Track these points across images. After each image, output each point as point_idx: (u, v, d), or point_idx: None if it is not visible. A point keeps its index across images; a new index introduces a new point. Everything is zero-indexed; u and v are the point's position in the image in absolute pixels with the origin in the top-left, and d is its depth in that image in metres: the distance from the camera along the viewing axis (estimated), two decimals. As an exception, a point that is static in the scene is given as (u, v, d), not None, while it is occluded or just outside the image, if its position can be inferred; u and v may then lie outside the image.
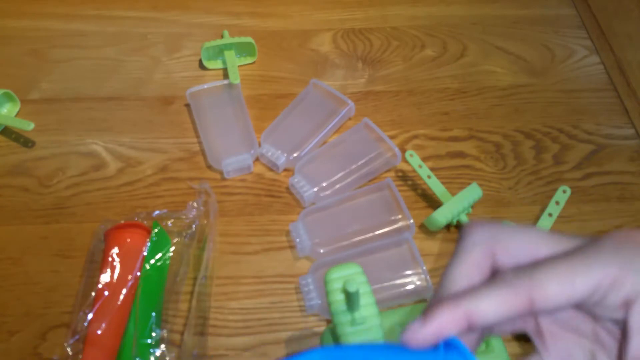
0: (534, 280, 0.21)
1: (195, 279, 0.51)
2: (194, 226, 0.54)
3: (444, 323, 0.21)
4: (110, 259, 0.50)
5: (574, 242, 0.23)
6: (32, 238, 0.55)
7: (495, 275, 0.23)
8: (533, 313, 0.21)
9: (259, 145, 0.60)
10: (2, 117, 0.61)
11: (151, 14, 0.75)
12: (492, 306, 0.21)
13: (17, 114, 0.64)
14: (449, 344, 0.22)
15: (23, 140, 0.62)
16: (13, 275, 0.52)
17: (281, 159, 0.59)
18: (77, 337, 0.47)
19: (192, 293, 0.51)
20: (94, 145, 0.62)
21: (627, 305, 0.21)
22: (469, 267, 0.23)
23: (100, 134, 0.63)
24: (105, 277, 0.49)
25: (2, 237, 0.55)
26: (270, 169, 0.60)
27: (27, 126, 0.59)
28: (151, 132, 0.63)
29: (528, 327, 0.25)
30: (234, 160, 0.58)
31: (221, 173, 0.59)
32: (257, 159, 0.61)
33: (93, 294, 0.49)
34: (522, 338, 0.50)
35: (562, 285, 0.21)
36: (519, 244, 0.23)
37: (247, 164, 0.59)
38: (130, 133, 0.63)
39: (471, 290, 0.22)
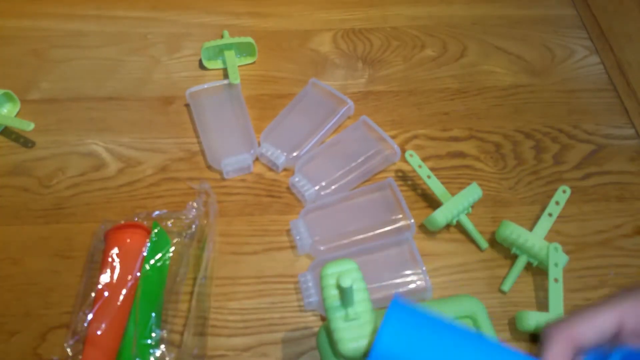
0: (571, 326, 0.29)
1: (195, 279, 0.51)
2: (193, 226, 0.54)
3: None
4: (110, 259, 0.50)
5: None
6: (32, 238, 0.55)
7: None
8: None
9: (259, 145, 0.60)
10: (2, 117, 0.61)
11: (151, 14, 0.75)
12: (592, 327, 0.29)
13: (17, 114, 0.64)
14: None
15: (23, 140, 0.62)
16: (13, 275, 0.52)
17: (281, 159, 0.59)
18: (77, 337, 0.47)
19: (192, 293, 0.51)
20: (94, 145, 0.62)
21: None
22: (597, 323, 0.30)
23: (100, 134, 0.63)
24: (105, 278, 0.49)
25: (2, 237, 0.55)
26: (270, 169, 0.60)
27: (27, 126, 0.59)
28: (151, 132, 0.63)
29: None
30: (233, 160, 0.58)
31: (221, 173, 0.59)
32: (256, 159, 0.61)
33: (93, 294, 0.49)
34: (521, 338, 0.50)
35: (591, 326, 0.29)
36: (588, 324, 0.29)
37: (247, 164, 0.59)
38: (130, 133, 0.63)
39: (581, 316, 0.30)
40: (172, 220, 0.54)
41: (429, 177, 0.57)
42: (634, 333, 0.29)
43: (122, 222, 0.52)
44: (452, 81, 0.69)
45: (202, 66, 0.69)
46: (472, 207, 0.56)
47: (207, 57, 0.69)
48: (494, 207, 0.58)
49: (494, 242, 0.55)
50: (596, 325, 0.29)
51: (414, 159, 0.57)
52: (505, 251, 0.55)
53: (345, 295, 0.33)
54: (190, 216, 0.54)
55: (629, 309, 0.29)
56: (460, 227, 0.56)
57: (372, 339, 0.34)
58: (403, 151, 0.61)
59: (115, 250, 0.50)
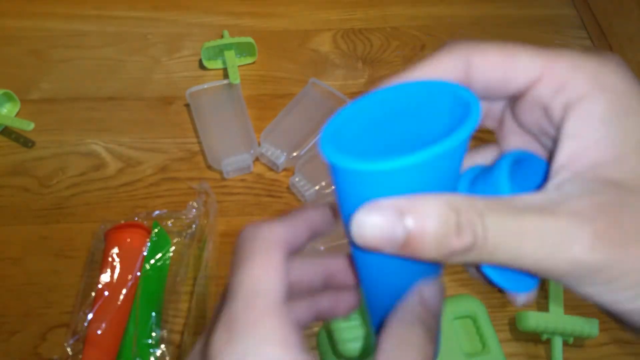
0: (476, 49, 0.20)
1: (195, 279, 0.51)
2: (194, 226, 0.54)
3: None
4: (110, 259, 0.50)
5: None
6: (32, 238, 0.55)
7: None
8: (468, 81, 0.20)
9: (259, 145, 0.60)
10: (2, 117, 0.61)
11: (151, 14, 0.75)
12: (432, 71, 0.21)
13: (17, 114, 0.64)
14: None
15: (23, 140, 0.62)
16: (13, 275, 0.52)
17: (281, 158, 0.59)
18: (77, 337, 0.47)
19: (192, 293, 0.51)
20: (94, 145, 0.62)
21: (566, 109, 0.19)
22: (437, 67, 0.21)
23: (100, 134, 0.63)
24: (105, 277, 0.49)
25: (2, 237, 0.55)
26: (270, 169, 0.60)
27: (27, 126, 0.59)
28: (151, 132, 0.63)
29: (489, 124, 0.24)
30: (233, 160, 0.58)
31: (221, 173, 0.59)
32: (256, 159, 0.61)
33: (93, 294, 0.49)
34: (521, 338, 0.50)
35: (503, 59, 0.20)
36: (497, 57, 0.20)
37: (246, 163, 0.59)
38: (130, 133, 0.63)
39: (418, 64, 0.21)
40: (172, 220, 0.54)
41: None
42: (488, 88, 0.21)
43: (122, 222, 0.52)
44: (452, 81, 0.69)
45: (202, 66, 0.69)
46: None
47: (207, 57, 0.69)
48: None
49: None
50: (432, 68, 0.21)
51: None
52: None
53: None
54: (190, 216, 0.54)
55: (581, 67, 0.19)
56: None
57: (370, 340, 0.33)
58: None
59: (115, 250, 0.50)
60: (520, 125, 0.22)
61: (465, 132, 0.17)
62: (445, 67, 0.21)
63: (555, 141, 0.20)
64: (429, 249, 0.17)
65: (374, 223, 0.17)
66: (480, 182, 0.22)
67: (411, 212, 0.17)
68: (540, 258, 0.17)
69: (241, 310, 0.19)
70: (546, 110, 0.20)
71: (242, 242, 0.22)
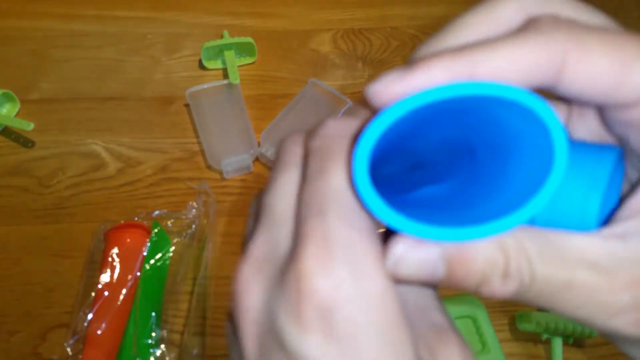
0: (579, 35, 0.15)
1: (195, 279, 0.51)
2: (193, 226, 0.54)
3: (436, 75, 0.15)
4: (110, 259, 0.50)
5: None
6: (32, 238, 0.55)
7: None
8: (557, 80, 0.15)
9: (259, 145, 0.60)
10: (2, 117, 0.61)
11: (151, 14, 0.75)
12: (510, 60, 0.15)
13: (17, 114, 0.64)
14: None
15: (23, 140, 0.62)
16: (13, 275, 0.52)
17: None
18: (77, 337, 0.47)
19: (192, 293, 0.51)
20: (94, 145, 0.62)
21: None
22: (493, 18, 0.16)
23: (100, 134, 0.63)
24: (105, 277, 0.49)
25: (2, 237, 0.55)
26: (270, 169, 0.60)
27: (27, 126, 0.59)
28: (151, 132, 0.63)
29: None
30: (233, 160, 0.58)
31: (221, 173, 0.59)
32: (256, 159, 0.61)
33: (93, 294, 0.49)
34: (521, 338, 0.50)
35: (613, 65, 0.15)
36: (606, 61, 0.15)
37: (246, 163, 0.59)
38: (130, 133, 0.63)
39: (486, 41, 0.15)
40: (172, 220, 0.54)
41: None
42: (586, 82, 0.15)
43: (122, 222, 0.52)
44: (452, 81, 0.69)
45: (202, 66, 0.69)
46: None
47: (207, 57, 0.69)
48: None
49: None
50: (511, 57, 0.15)
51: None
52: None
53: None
54: (190, 216, 0.54)
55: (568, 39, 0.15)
56: None
57: None
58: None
59: (115, 250, 0.50)
60: (607, 128, 0.18)
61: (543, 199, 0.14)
62: (530, 57, 0.15)
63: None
64: (469, 287, 0.16)
65: (415, 259, 0.15)
66: (567, 190, 0.16)
67: (459, 251, 0.15)
68: (581, 315, 0.16)
69: (338, 228, 0.15)
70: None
71: (324, 139, 0.17)
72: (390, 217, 0.15)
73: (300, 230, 0.16)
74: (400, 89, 0.15)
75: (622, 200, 0.16)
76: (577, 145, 0.17)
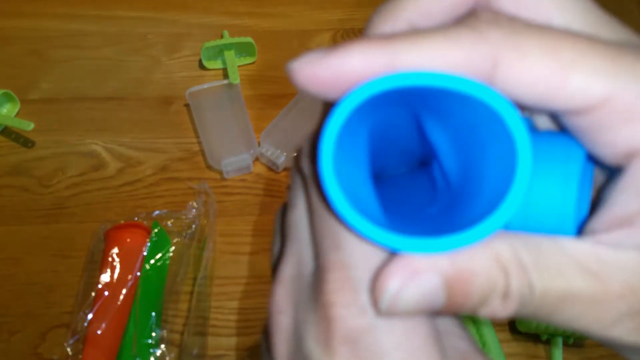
0: (516, 33, 0.13)
1: (195, 279, 0.51)
2: (193, 226, 0.54)
3: (353, 61, 0.14)
4: (110, 259, 0.50)
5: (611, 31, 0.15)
6: (32, 238, 0.55)
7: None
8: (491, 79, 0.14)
9: (259, 145, 0.60)
10: (2, 117, 0.61)
11: (151, 14, 0.75)
12: (434, 56, 0.13)
13: (17, 114, 0.64)
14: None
15: (23, 140, 0.62)
16: (13, 275, 0.52)
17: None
18: (77, 337, 0.47)
19: (192, 293, 0.51)
20: (94, 145, 0.62)
21: (633, 147, 0.14)
22: (452, 52, 0.14)
23: (100, 134, 0.63)
24: (105, 277, 0.49)
25: (2, 237, 0.55)
26: (270, 169, 0.60)
27: (27, 126, 0.59)
28: (151, 132, 0.63)
29: None
30: (233, 160, 0.58)
31: (221, 173, 0.59)
32: (256, 159, 0.61)
33: (93, 294, 0.49)
34: (521, 338, 0.50)
35: (550, 70, 0.14)
36: (541, 65, 0.14)
37: (246, 163, 0.59)
38: (130, 133, 0.63)
39: (416, 31, 0.14)
40: (172, 220, 0.54)
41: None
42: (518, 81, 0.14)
43: (122, 222, 0.52)
44: (452, 81, 0.69)
45: (202, 66, 0.69)
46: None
47: (207, 57, 0.69)
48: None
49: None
50: (436, 52, 0.14)
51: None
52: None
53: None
54: (190, 216, 0.54)
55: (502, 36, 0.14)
56: None
57: None
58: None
59: (115, 250, 0.50)
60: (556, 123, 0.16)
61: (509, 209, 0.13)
62: (457, 55, 0.14)
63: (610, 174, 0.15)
64: (469, 309, 0.15)
65: (415, 291, 0.14)
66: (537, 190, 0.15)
67: (457, 273, 0.14)
68: (579, 326, 0.15)
69: (355, 255, 0.15)
70: (597, 134, 0.14)
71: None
72: (365, 228, 0.14)
73: (320, 262, 0.16)
74: (318, 71, 0.15)
75: (597, 203, 0.15)
76: (543, 136, 0.16)
